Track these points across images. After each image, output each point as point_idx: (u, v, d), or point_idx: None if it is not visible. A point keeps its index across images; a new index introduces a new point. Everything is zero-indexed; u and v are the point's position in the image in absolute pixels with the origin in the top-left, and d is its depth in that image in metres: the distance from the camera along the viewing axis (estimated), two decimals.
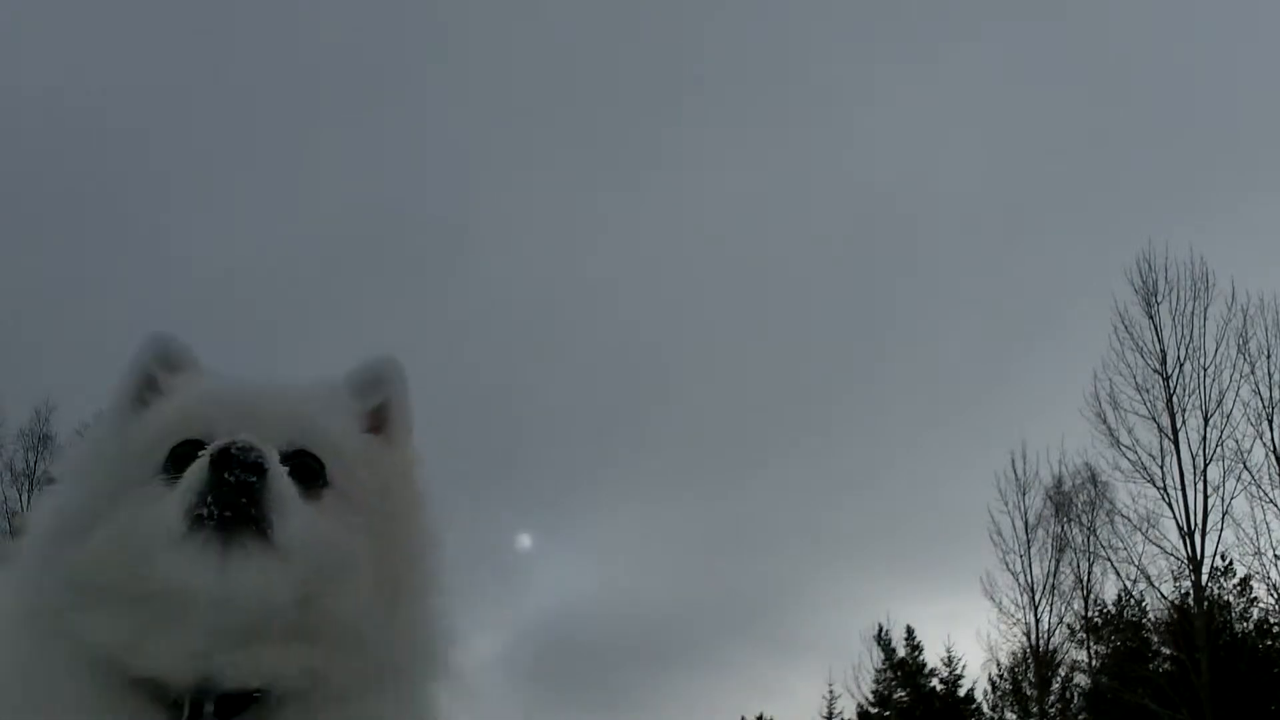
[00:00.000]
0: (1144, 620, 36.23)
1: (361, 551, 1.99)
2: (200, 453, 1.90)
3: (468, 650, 2.14)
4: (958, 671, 42.59)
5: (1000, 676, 40.10)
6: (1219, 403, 32.66)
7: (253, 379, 2.16)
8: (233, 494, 1.84)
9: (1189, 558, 32.65)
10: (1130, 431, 33.32)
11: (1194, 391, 32.94)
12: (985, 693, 41.17)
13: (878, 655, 43.02)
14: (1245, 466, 32.12)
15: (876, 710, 42.89)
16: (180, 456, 1.95)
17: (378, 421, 2.20)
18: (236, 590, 1.85)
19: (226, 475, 1.85)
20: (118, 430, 2.10)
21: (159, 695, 1.89)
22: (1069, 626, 37.53)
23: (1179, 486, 32.52)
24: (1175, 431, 32.76)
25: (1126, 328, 33.87)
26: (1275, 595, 33.48)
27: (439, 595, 2.11)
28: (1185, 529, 32.50)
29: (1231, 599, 34.96)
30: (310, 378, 2.24)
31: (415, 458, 2.23)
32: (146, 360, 2.17)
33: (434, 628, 2.09)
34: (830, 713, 43.97)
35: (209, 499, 1.84)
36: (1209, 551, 32.79)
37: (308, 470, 1.99)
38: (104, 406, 2.20)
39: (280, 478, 1.90)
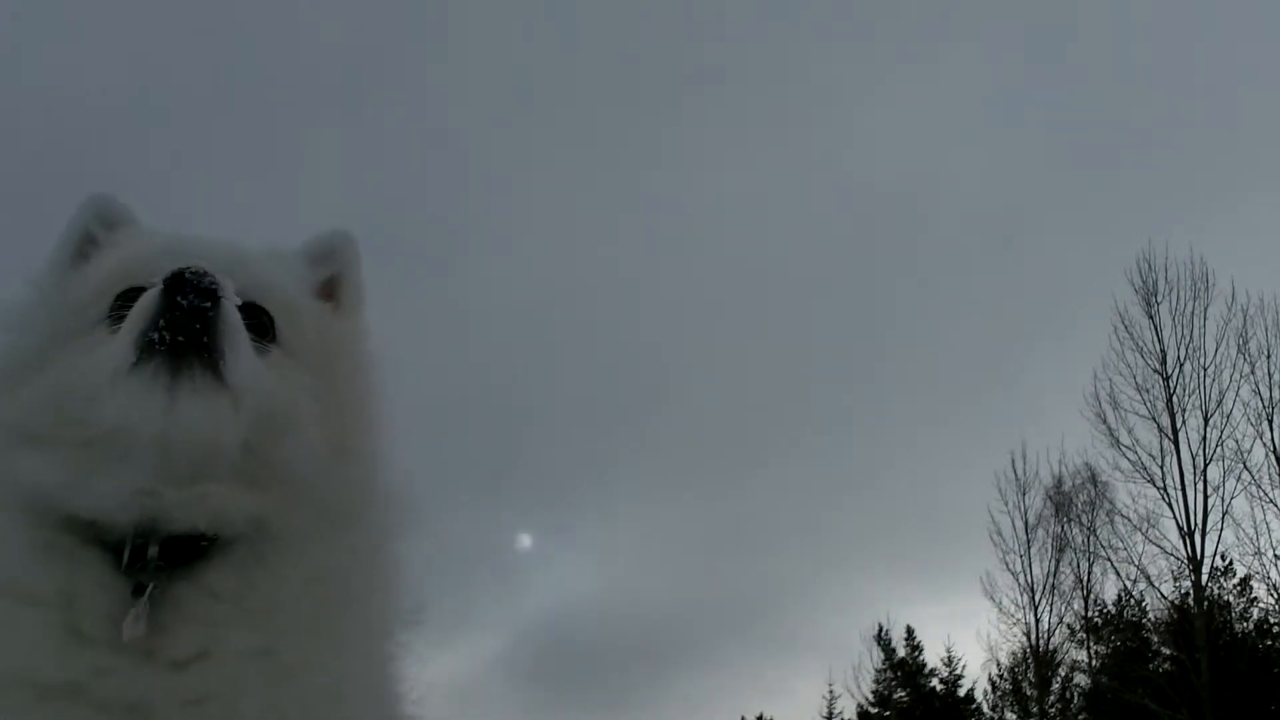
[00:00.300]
0: (1144, 620, 36.22)
1: (308, 406, 1.93)
2: (151, 280, 1.85)
3: (414, 497, 2.10)
4: (958, 671, 42.63)
5: (1000, 676, 40.14)
6: (1219, 403, 32.66)
7: (201, 234, 2.12)
8: (186, 319, 1.77)
9: (1189, 558, 32.64)
10: (1130, 431, 33.33)
11: (1194, 391, 32.94)
12: (985, 693, 41.21)
13: (878, 655, 43.07)
14: (1245, 466, 32.10)
15: (876, 710, 42.88)
16: (125, 303, 1.89)
17: (329, 292, 2.17)
18: (185, 425, 1.76)
19: (180, 299, 1.78)
20: (58, 283, 2.07)
21: (100, 537, 1.79)
22: (1069, 626, 37.55)
23: (1179, 486, 32.52)
24: (1175, 431, 32.75)
25: (1126, 328, 33.87)
26: (1275, 595, 33.48)
27: (384, 455, 2.07)
28: (1185, 529, 32.49)
29: (1231, 599, 34.97)
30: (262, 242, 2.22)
31: (364, 329, 2.21)
32: (87, 218, 2.15)
33: (381, 482, 2.04)
34: (830, 713, 44.02)
35: (160, 323, 1.77)
36: (1209, 551, 32.79)
37: (257, 325, 1.93)
38: (43, 263, 2.16)
39: (234, 310, 1.84)
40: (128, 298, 1.90)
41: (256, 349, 1.90)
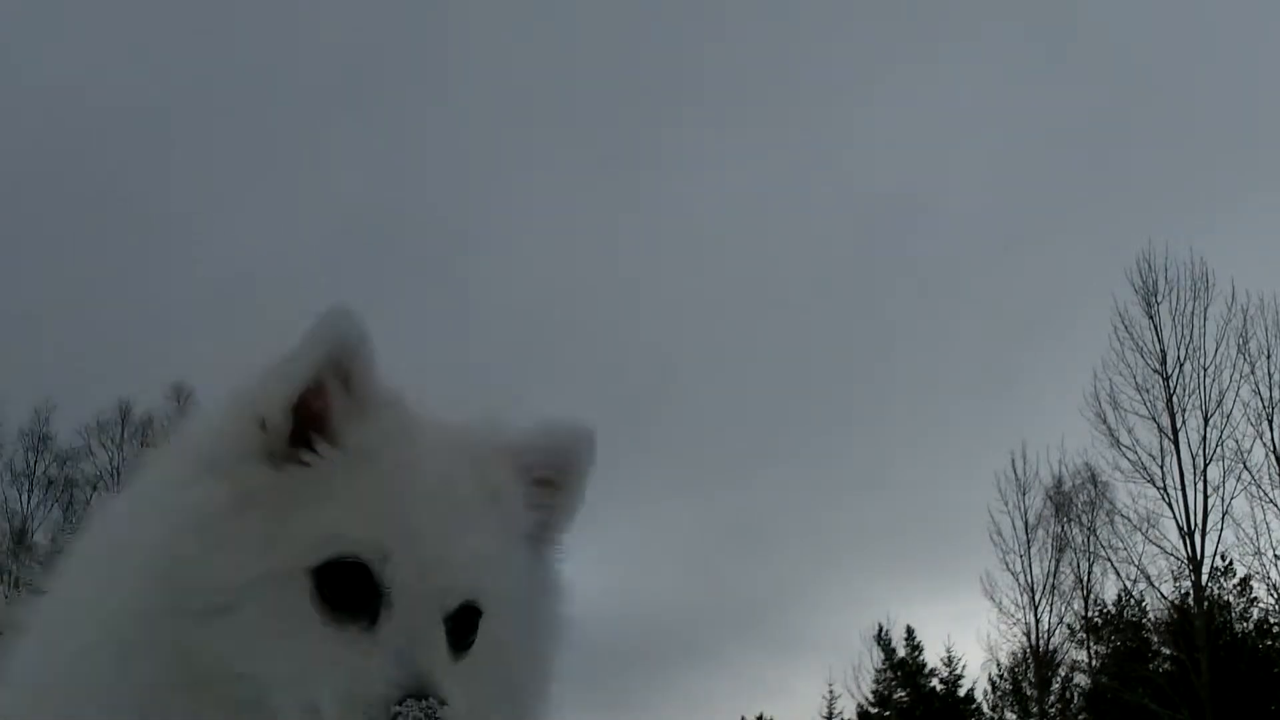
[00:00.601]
0: (1144, 620, 36.26)
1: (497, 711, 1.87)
2: (367, 555, 1.74)
3: None
4: (958, 671, 42.66)
5: (1000, 676, 40.18)
6: (1219, 403, 32.76)
7: (433, 464, 1.85)
8: None
9: (1189, 558, 32.68)
10: (1130, 431, 33.41)
11: (1194, 391, 33.03)
12: (985, 693, 41.27)
13: (878, 655, 43.10)
14: (1245, 466, 32.23)
15: (876, 710, 42.89)
16: (341, 578, 1.74)
17: (544, 496, 1.98)
18: None
19: None
20: (269, 463, 1.81)
21: None
22: (1069, 626, 37.59)
23: (1179, 486, 32.61)
24: (1175, 431, 32.80)
25: (1126, 328, 33.95)
26: (1275, 595, 33.56)
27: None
28: (1185, 529, 32.55)
29: (1231, 599, 35.01)
30: (497, 425, 2.01)
31: (564, 580, 2.06)
32: (325, 348, 1.82)
33: None
34: (830, 713, 44.05)
35: None
36: (1209, 551, 32.89)
37: (466, 624, 1.83)
38: (244, 396, 1.86)
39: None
40: (346, 572, 1.75)
41: (458, 653, 1.81)
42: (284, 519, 1.76)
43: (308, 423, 1.82)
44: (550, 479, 1.99)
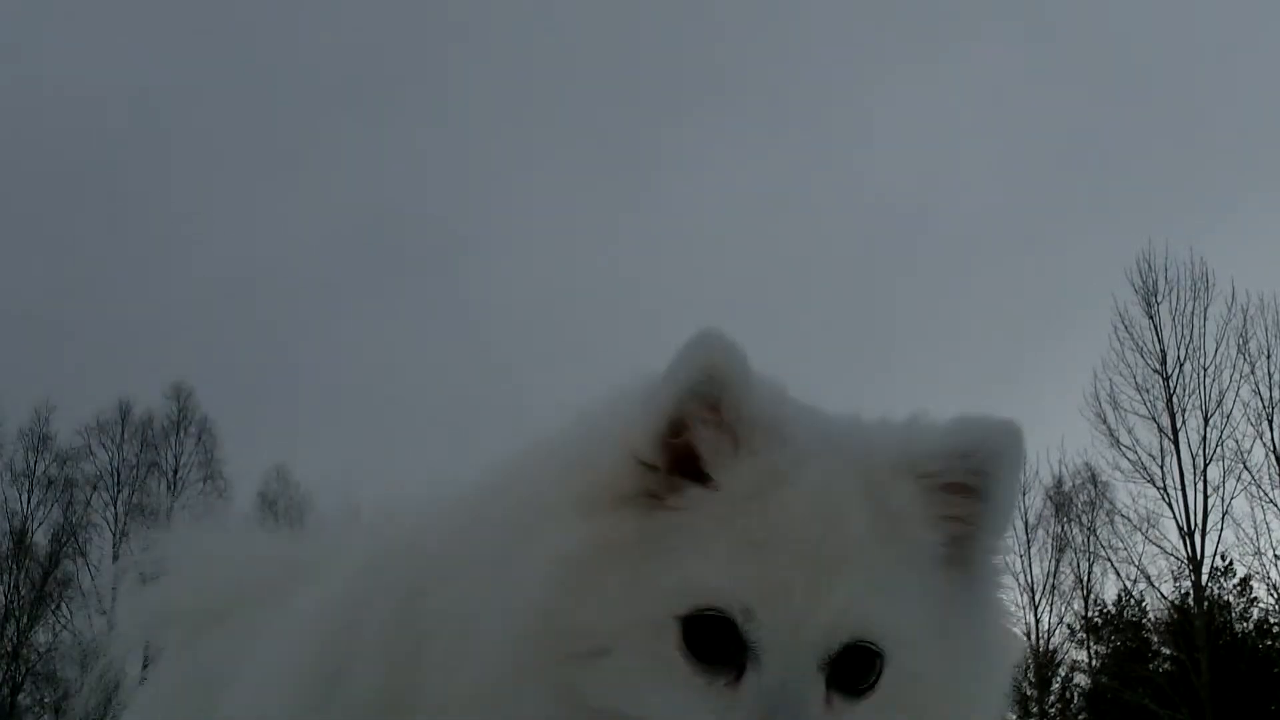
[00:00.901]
0: (1144, 620, 36.22)
1: None
2: (733, 613, 1.65)
3: None
4: None
5: None
6: (1219, 403, 32.68)
7: (816, 503, 1.70)
8: None
9: (1189, 558, 32.64)
10: (1130, 431, 33.32)
11: (1194, 391, 32.95)
12: None
13: None
14: (1245, 466, 32.15)
15: None
16: (706, 630, 1.67)
17: (957, 507, 1.78)
18: None
19: None
20: (642, 507, 1.72)
21: None
22: (1069, 626, 37.55)
23: (1179, 486, 32.52)
24: (1175, 431, 32.74)
25: (1126, 328, 33.86)
26: (1275, 595, 33.53)
27: None
28: (1185, 529, 32.49)
29: (1231, 599, 34.97)
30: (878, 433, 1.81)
31: (1003, 605, 1.88)
32: (695, 379, 1.69)
33: None
34: None
35: None
36: (1209, 551, 32.81)
37: (859, 665, 1.70)
38: (619, 430, 1.75)
39: None
40: (710, 626, 1.68)
41: (850, 700, 1.70)
42: (653, 566, 1.69)
43: (677, 462, 1.72)
44: (964, 483, 1.78)
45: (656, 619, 1.68)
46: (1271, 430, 32.15)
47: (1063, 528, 36.91)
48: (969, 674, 1.79)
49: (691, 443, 1.72)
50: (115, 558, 37.07)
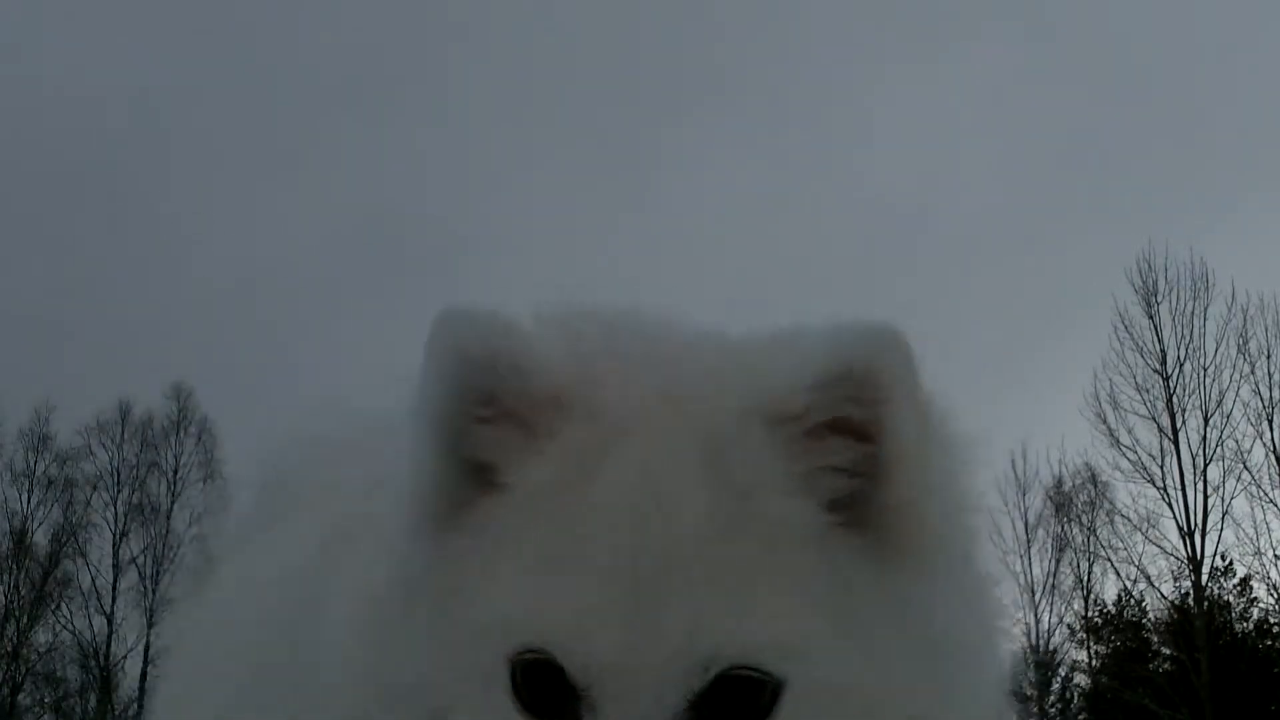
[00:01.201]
0: (1144, 620, 36.21)
1: None
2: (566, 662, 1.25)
3: None
4: None
5: None
6: (1219, 403, 32.66)
7: (636, 489, 1.26)
8: None
9: (1189, 558, 32.64)
10: (1130, 431, 33.29)
11: (1194, 391, 32.93)
12: None
13: None
14: (1245, 466, 32.13)
15: None
16: (535, 678, 1.26)
17: (843, 452, 1.30)
18: None
19: None
20: (444, 525, 1.34)
21: None
22: (1069, 627, 37.54)
23: (1179, 486, 32.50)
24: (1175, 431, 32.72)
25: (1126, 328, 33.82)
26: (1275, 595, 33.53)
27: None
28: (1185, 529, 32.49)
29: (1231, 599, 34.95)
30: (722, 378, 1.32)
31: (959, 574, 1.44)
32: (448, 383, 1.32)
33: None
34: None
35: None
36: (1209, 551, 32.80)
37: (741, 701, 1.24)
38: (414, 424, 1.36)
39: None
40: (534, 669, 1.26)
41: None
42: (460, 601, 1.31)
43: (473, 472, 1.33)
44: (841, 421, 1.29)
45: (485, 664, 1.28)
46: (1271, 430, 32.17)
47: (1062, 528, 36.91)
48: (917, 669, 1.32)
49: (475, 449, 1.32)
50: (115, 558, 37.20)
